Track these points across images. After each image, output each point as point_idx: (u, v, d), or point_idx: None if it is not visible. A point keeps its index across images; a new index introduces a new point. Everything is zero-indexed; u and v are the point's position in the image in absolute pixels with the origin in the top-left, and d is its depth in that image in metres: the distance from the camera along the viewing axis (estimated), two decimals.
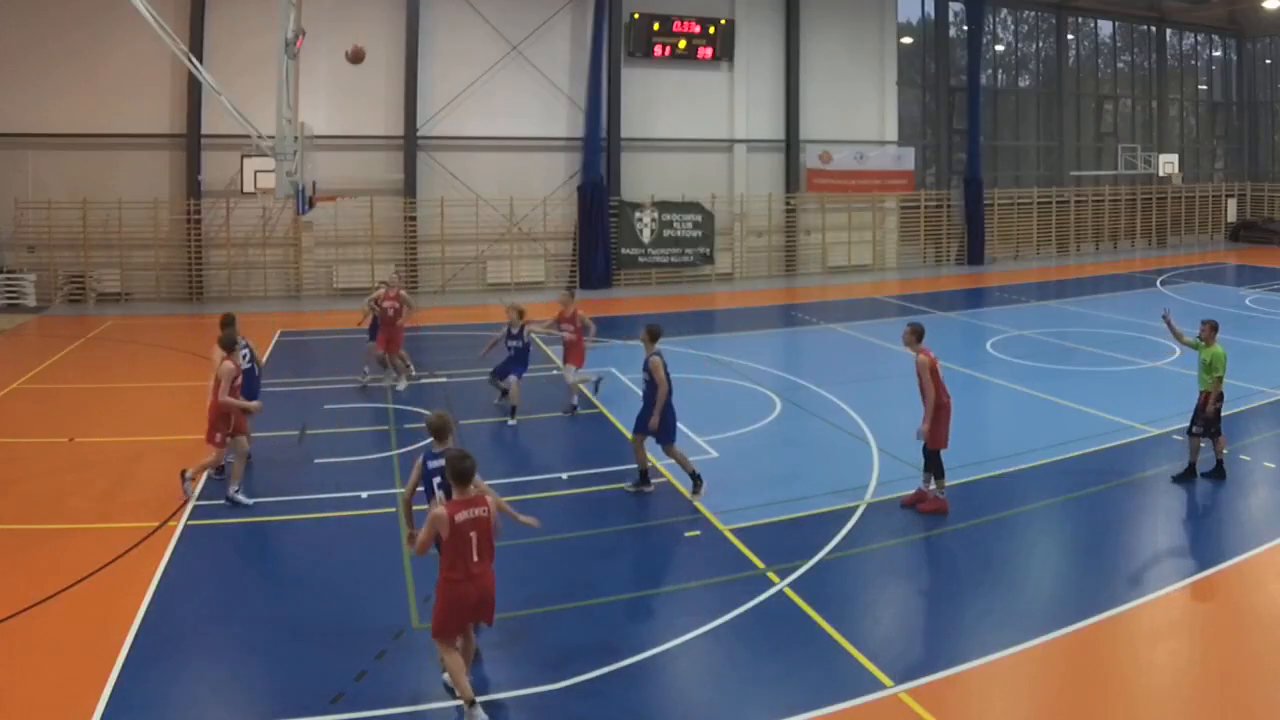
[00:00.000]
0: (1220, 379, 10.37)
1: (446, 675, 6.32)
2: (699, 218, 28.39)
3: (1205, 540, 9.05)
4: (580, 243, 27.23)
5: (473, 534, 6.05)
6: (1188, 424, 10.66)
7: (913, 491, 9.82)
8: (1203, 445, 10.54)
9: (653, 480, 10.40)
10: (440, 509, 6.07)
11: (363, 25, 25.36)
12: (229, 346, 10.39)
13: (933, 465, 9.57)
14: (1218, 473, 10.54)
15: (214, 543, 9.05)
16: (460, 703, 6.08)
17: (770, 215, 30.00)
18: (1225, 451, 10.64)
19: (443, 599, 6.12)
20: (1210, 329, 10.59)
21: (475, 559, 6.08)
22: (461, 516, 6.04)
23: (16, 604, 7.57)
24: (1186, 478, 10.48)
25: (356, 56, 14.45)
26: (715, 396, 14.74)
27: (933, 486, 9.62)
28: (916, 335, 9.70)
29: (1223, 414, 10.56)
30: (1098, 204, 36.79)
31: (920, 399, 9.56)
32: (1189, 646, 7.23)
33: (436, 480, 7.07)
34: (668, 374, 10.11)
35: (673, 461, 10.33)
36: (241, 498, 9.89)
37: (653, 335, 10.41)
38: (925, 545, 9.03)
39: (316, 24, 23.25)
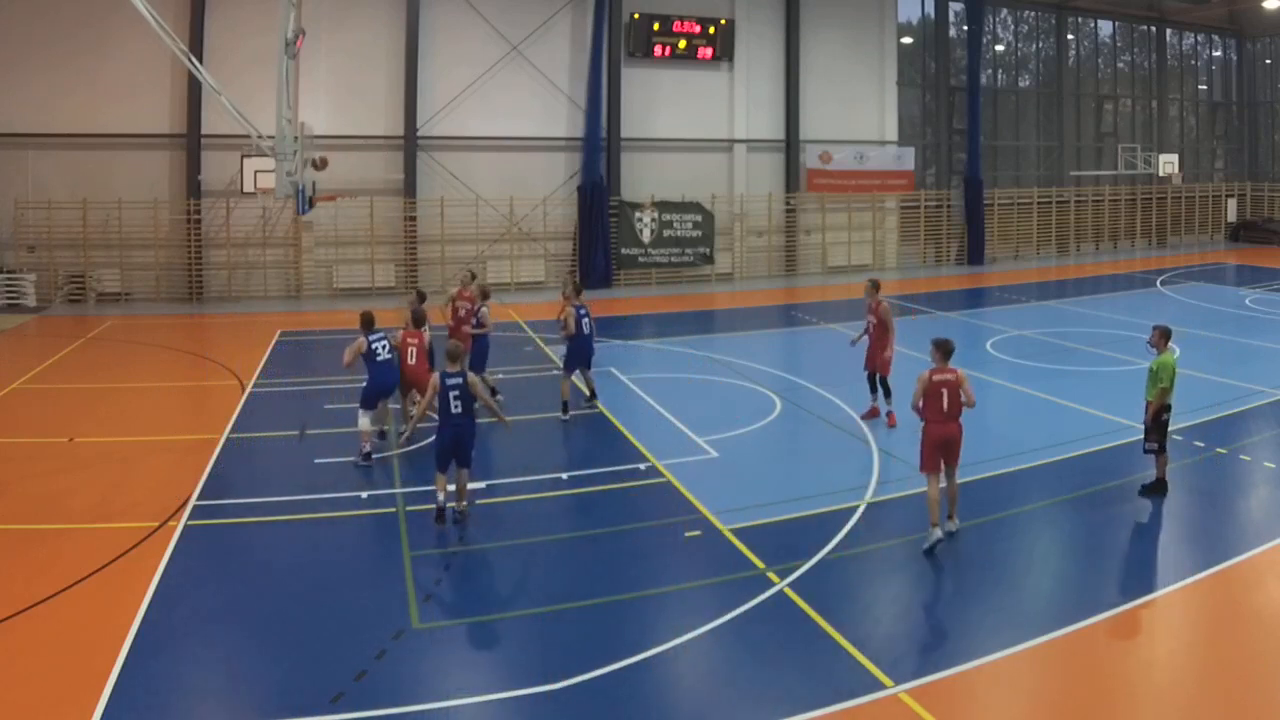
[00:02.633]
0: (1165, 390, 9.78)
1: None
2: (699, 218, 28.40)
3: (1205, 540, 9.04)
4: (580, 243, 27.23)
5: (944, 391, 8.78)
6: (1143, 442, 10.03)
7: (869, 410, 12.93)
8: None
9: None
10: (924, 373, 8.91)
11: (363, 25, 25.43)
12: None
13: (886, 387, 12.90)
14: (1157, 488, 9.96)
15: (214, 543, 9.06)
16: None
17: (770, 215, 30.01)
18: (1167, 467, 10.04)
19: (924, 440, 8.87)
20: (1161, 336, 10.01)
21: (945, 409, 8.76)
22: (938, 378, 8.82)
23: (16, 604, 7.57)
24: (1155, 491, 9.98)
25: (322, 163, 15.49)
26: (715, 396, 14.75)
27: (889, 407, 12.80)
28: (876, 287, 13.67)
29: (1170, 425, 9.96)
30: (1098, 204, 36.79)
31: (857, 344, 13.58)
32: (1189, 646, 7.23)
33: (454, 394, 9.13)
34: (578, 321, 13.17)
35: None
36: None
37: (576, 289, 13.80)
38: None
39: (316, 24, 23.29)
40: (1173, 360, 10.00)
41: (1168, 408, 9.95)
